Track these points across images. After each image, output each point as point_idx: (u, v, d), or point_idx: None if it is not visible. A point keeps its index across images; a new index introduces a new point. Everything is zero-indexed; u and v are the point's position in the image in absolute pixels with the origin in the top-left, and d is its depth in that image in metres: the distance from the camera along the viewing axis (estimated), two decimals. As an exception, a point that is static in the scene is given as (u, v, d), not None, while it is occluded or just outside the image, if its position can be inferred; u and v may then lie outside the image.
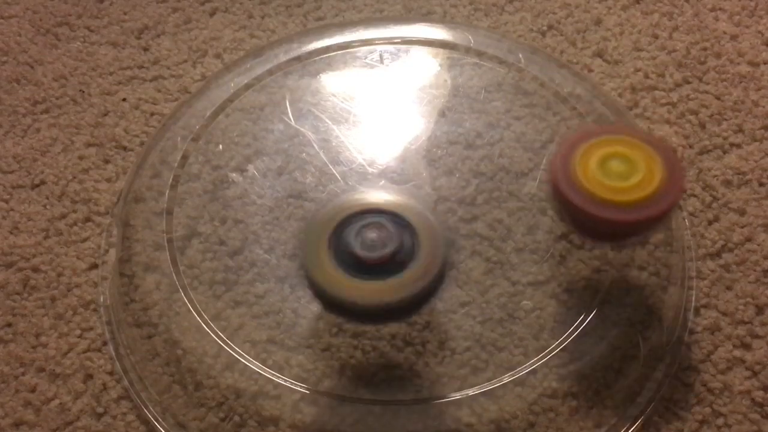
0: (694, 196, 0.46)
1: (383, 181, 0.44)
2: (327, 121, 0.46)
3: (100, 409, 0.40)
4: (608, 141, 0.37)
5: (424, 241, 0.37)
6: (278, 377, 0.38)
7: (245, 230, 0.43)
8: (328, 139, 0.45)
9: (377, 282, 0.36)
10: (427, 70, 0.49)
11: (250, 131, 0.46)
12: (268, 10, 0.55)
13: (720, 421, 0.39)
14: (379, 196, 0.39)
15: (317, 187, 0.44)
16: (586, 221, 0.36)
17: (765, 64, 0.51)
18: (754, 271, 0.43)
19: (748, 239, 0.44)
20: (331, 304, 0.36)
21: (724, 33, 0.53)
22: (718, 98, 0.50)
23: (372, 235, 0.37)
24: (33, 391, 0.41)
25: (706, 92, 0.50)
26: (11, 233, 0.46)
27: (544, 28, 0.54)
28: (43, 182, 0.48)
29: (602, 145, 0.37)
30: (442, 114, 0.47)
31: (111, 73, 0.52)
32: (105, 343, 0.42)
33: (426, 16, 0.54)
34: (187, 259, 0.42)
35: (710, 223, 0.45)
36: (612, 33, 0.53)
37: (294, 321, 0.40)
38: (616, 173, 0.36)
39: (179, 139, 0.46)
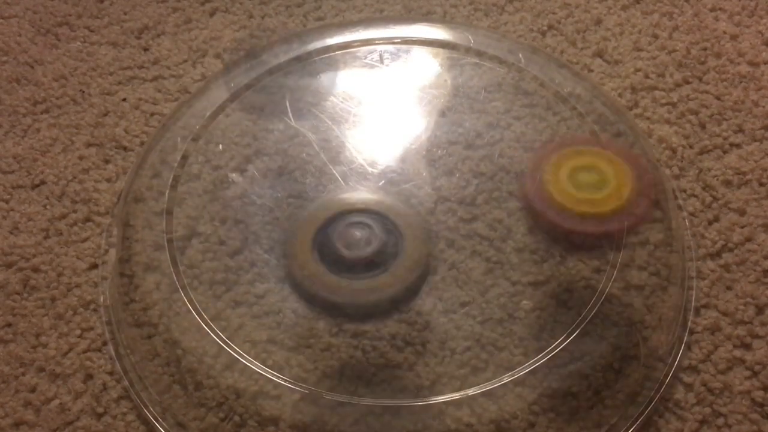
0: (694, 196, 0.46)
1: (383, 182, 0.44)
2: (327, 121, 0.46)
3: (100, 409, 0.40)
4: (578, 152, 0.37)
5: (408, 240, 0.37)
6: (278, 377, 0.38)
7: (245, 230, 0.43)
8: (328, 139, 0.45)
9: (359, 281, 0.36)
10: (427, 70, 0.49)
11: (250, 131, 0.46)
12: (268, 10, 0.55)
13: (720, 421, 0.39)
14: (364, 196, 0.39)
15: (317, 187, 0.44)
16: (559, 232, 0.36)
17: (765, 64, 0.51)
18: (754, 271, 0.43)
19: (748, 239, 0.44)
20: (314, 301, 0.37)
21: (724, 33, 0.53)
22: (718, 98, 0.50)
23: (356, 233, 0.37)
24: (33, 391, 0.41)
25: (706, 92, 0.50)
26: (11, 233, 0.46)
27: (544, 28, 0.54)
28: (43, 182, 0.47)
29: (572, 157, 0.37)
30: (442, 114, 0.47)
31: (111, 73, 0.52)
32: (105, 343, 0.42)
33: (426, 16, 0.54)
34: (187, 259, 0.42)
35: (710, 223, 0.45)
36: (612, 33, 0.53)
37: (294, 321, 0.40)
38: (587, 184, 0.36)
39: (179, 139, 0.46)
